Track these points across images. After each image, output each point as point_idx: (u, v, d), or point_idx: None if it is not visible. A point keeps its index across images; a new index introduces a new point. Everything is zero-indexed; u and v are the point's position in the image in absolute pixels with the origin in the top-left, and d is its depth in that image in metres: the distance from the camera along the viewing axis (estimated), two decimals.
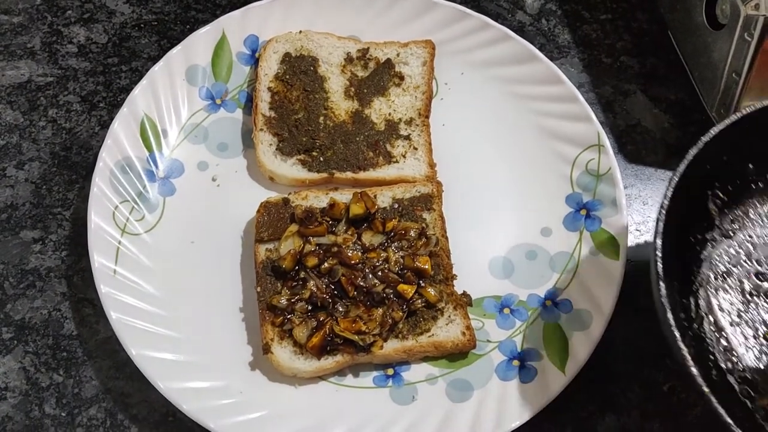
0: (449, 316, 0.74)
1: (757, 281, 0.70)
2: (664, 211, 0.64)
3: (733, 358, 0.67)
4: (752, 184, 0.73)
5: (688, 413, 0.74)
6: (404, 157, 0.83)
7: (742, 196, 0.73)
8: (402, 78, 0.86)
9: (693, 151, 0.66)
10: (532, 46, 0.86)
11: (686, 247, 0.70)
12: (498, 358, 0.74)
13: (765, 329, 0.68)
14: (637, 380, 0.75)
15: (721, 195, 0.71)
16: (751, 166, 0.72)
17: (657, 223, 0.65)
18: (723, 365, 0.66)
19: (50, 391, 0.74)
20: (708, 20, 0.82)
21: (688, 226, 0.69)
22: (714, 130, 0.68)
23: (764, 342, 0.68)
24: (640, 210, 0.84)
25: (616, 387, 0.75)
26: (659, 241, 0.63)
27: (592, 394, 0.75)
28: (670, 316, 0.60)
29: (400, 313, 0.73)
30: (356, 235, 0.76)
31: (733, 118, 0.68)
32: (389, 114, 0.85)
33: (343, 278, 0.74)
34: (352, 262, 0.74)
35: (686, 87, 0.88)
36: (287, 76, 0.85)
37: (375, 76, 0.86)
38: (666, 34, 0.91)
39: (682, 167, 0.66)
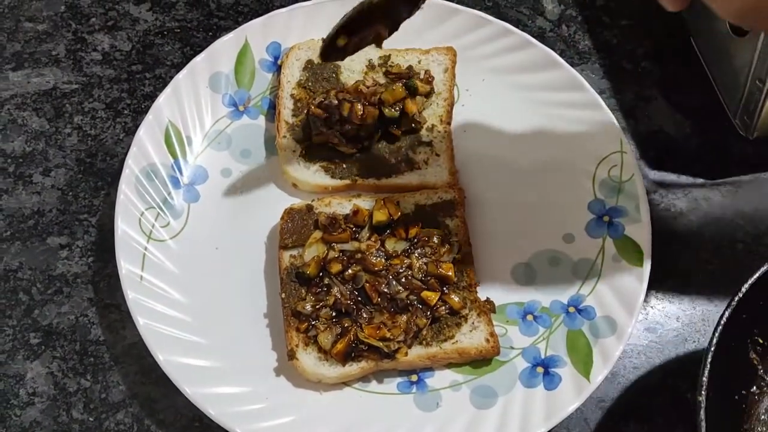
0: (473, 323, 0.75)
1: None
2: (707, 365, 0.60)
3: None
4: None
5: None
6: (426, 163, 0.83)
7: None
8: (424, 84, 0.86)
9: (735, 299, 0.63)
10: (552, 52, 0.86)
11: (730, 403, 0.65)
12: (522, 365, 0.74)
13: None
14: (662, 388, 0.75)
15: (761, 341, 0.67)
16: None
17: (700, 377, 0.60)
18: None
19: (78, 396, 0.74)
20: (731, 27, 0.82)
21: (729, 378, 0.65)
22: (755, 277, 0.64)
23: None
24: (662, 216, 0.84)
25: (640, 394, 0.75)
26: (701, 398, 0.59)
27: (616, 401, 0.75)
28: None
29: (424, 320, 0.73)
30: (379, 241, 0.77)
31: None
32: None
33: (367, 285, 0.74)
34: (376, 268, 0.75)
35: (708, 93, 0.88)
36: (309, 83, 0.86)
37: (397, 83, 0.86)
38: (688, 40, 0.91)
39: (726, 315, 0.62)
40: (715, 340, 0.61)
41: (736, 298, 0.63)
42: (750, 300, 0.63)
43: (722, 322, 0.62)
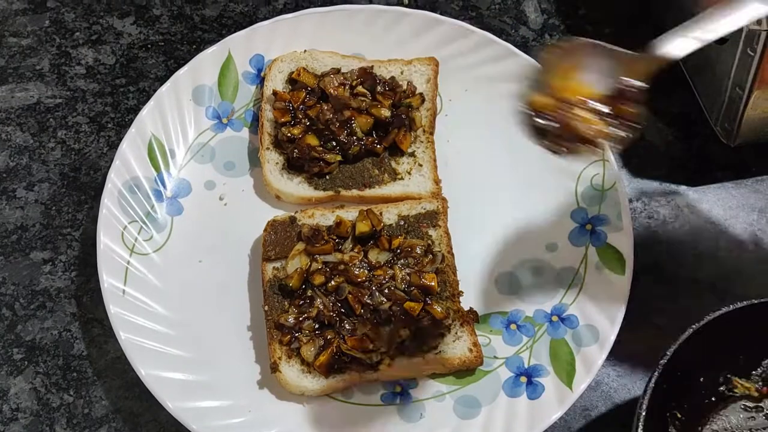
0: (456, 333, 0.75)
1: None
2: None
3: None
4: (705, 399, 0.69)
5: None
6: (409, 174, 0.83)
7: (698, 413, 0.68)
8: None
9: (655, 375, 0.62)
10: (536, 62, 0.87)
11: None
12: (505, 375, 0.74)
13: None
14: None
15: (679, 416, 0.67)
16: (701, 379, 0.69)
17: None
18: None
19: (61, 411, 0.74)
20: None
21: None
22: (670, 350, 0.63)
23: None
24: (645, 224, 0.84)
25: (622, 402, 0.75)
26: None
27: (600, 409, 0.75)
28: None
29: (407, 331, 0.73)
30: (363, 252, 0.77)
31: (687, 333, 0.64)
32: None
33: (350, 296, 0.74)
34: (359, 279, 0.75)
35: (690, 101, 0.89)
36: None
37: None
38: None
39: (647, 396, 0.61)
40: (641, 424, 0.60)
41: (654, 376, 0.62)
42: (668, 373, 0.63)
43: (644, 403, 0.61)
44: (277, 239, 0.78)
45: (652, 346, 0.77)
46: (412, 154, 0.84)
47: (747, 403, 0.70)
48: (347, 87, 0.84)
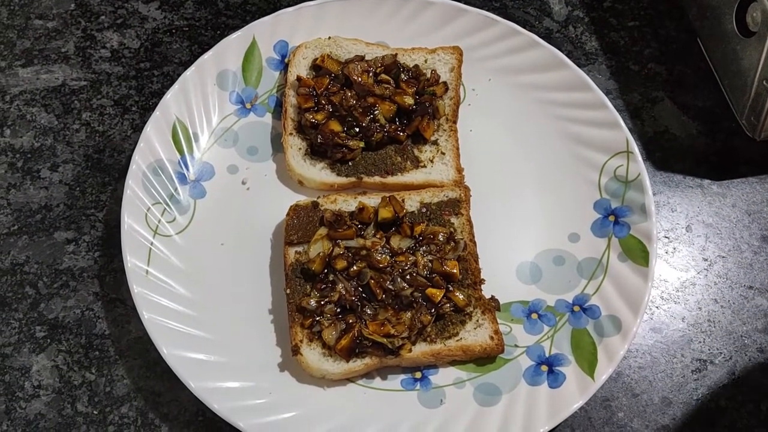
0: (477, 321, 0.75)
1: None
2: None
3: None
4: None
5: (711, 406, 0.74)
6: (432, 162, 0.83)
7: None
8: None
9: None
10: (559, 53, 0.87)
11: None
12: (526, 363, 0.74)
13: None
14: (666, 386, 0.75)
15: None
16: None
17: None
18: None
19: (82, 389, 0.75)
20: (738, 27, 0.82)
21: None
22: None
23: None
24: (668, 217, 0.84)
25: (643, 392, 0.75)
26: None
27: (620, 400, 0.75)
28: None
29: (429, 317, 0.73)
30: (385, 238, 0.77)
31: None
32: None
33: (372, 281, 0.74)
34: (381, 265, 0.75)
35: (715, 94, 0.88)
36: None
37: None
38: (695, 41, 0.91)
39: None
40: None
41: None
42: None
43: None
44: (300, 224, 0.78)
45: (673, 339, 0.77)
46: (435, 143, 0.84)
47: None
48: (371, 74, 0.84)
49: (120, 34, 0.94)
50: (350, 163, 0.83)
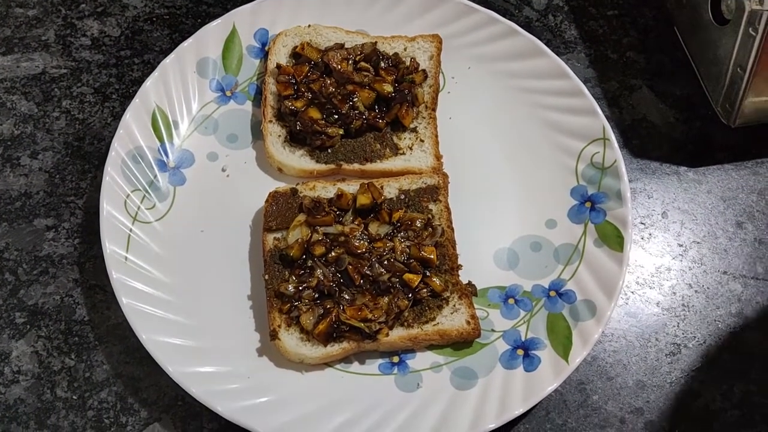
0: (454, 306, 0.75)
1: None
2: None
3: None
4: None
5: (684, 389, 0.75)
6: (411, 149, 0.84)
7: None
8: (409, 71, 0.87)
9: None
10: (539, 41, 0.87)
11: None
12: (502, 347, 0.75)
13: None
14: (640, 370, 0.76)
15: None
16: None
17: None
18: None
19: (62, 374, 0.75)
20: (714, 16, 0.82)
21: None
22: None
23: None
24: (644, 203, 0.85)
25: (617, 376, 0.76)
26: None
27: (595, 383, 0.75)
28: None
29: (406, 302, 0.74)
30: (363, 225, 0.77)
31: None
32: None
33: (350, 267, 0.75)
34: (359, 251, 0.76)
35: (692, 82, 0.89)
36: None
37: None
38: (672, 30, 0.92)
39: None
40: None
41: None
42: None
43: None
44: (279, 210, 0.79)
45: (647, 323, 0.78)
46: (414, 130, 0.85)
47: None
48: (350, 62, 0.85)
49: (100, 22, 0.94)
50: (329, 150, 0.83)
